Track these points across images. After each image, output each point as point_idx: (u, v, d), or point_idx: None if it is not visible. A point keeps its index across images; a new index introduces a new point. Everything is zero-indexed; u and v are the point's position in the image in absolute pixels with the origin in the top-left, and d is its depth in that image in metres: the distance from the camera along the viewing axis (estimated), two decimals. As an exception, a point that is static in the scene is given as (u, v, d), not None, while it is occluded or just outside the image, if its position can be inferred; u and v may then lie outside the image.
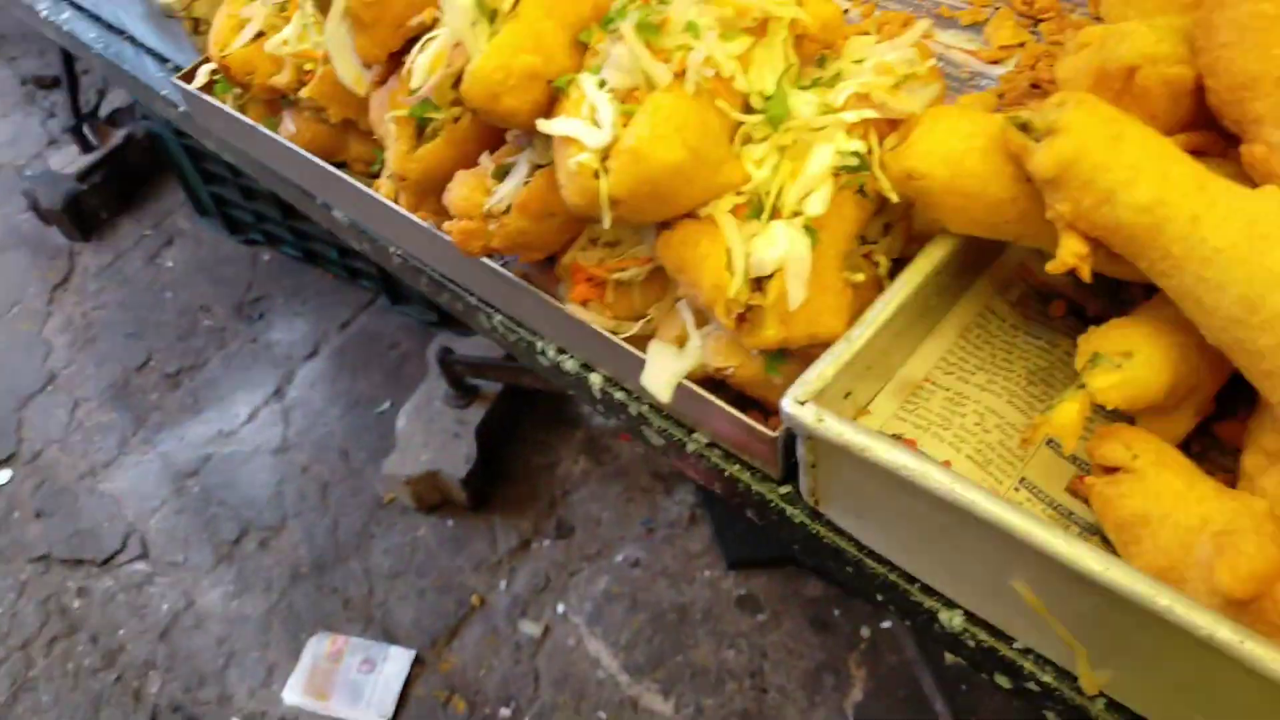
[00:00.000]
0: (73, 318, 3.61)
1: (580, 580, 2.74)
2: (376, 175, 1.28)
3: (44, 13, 1.70)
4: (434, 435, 2.96)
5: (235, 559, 2.99)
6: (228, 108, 1.33)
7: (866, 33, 1.27)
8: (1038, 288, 1.03)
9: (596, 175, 0.88)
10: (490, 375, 2.93)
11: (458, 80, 0.97)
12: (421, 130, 1.09)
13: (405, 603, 2.82)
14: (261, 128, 1.30)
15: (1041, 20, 1.32)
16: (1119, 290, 0.96)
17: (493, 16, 0.96)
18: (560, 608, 2.68)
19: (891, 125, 0.94)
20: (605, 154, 0.89)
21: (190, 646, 2.85)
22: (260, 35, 1.25)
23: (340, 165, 1.33)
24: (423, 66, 0.96)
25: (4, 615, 2.98)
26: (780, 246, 0.87)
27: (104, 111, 3.88)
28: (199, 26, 1.41)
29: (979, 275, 1.03)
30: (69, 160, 3.71)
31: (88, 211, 3.73)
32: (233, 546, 3.02)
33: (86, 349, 3.52)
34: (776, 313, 0.87)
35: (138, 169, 3.81)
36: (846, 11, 1.42)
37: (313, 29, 1.18)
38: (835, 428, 0.82)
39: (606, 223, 0.90)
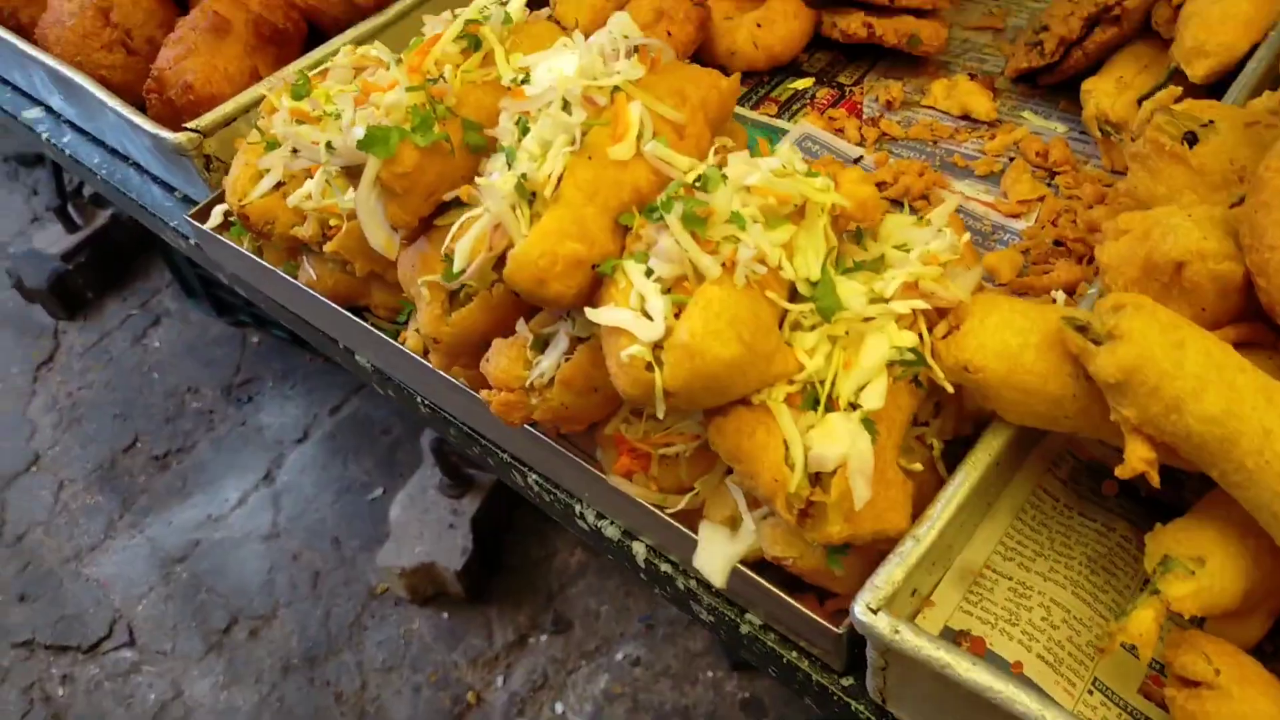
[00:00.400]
0: (58, 397, 3.51)
1: (579, 678, 2.66)
2: (400, 322, 1.24)
3: (45, 135, 1.64)
4: (429, 526, 2.89)
5: (225, 648, 2.89)
6: (247, 251, 1.28)
7: (898, 201, 1.27)
8: (1088, 463, 1.00)
9: (650, 367, 0.85)
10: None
11: (498, 259, 0.93)
12: (454, 293, 1.05)
13: (399, 698, 2.73)
14: (282, 274, 1.25)
15: (1057, 173, 1.31)
16: (1173, 470, 0.93)
17: (531, 198, 0.92)
18: (559, 707, 2.60)
19: (939, 310, 0.92)
20: (658, 346, 0.85)
21: (178, 740, 2.74)
22: (279, 185, 1.20)
23: (362, 309, 1.28)
24: (464, 251, 0.92)
25: (-15, 704, 2.85)
26: (842, 443, 0.83)
27: (89, 191, 3.81)
28: (210, 163, 1.36)
29: (1029, 451, 1.00)
30: (54, 240, 3.63)
31: (73, 291, 3.65)
32: (222, 635, 2.92)
33: (72, 429, 3.42)
34: (840, 510, 0.83)
35: (123, 249, 3.73)
36: (860, 159, 1.41)
37: (335, 185, 1.14)
38: (912, 641, 0.78)
39: (660, 413, 0.86)
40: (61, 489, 3.26)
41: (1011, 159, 1.35)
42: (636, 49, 1.03)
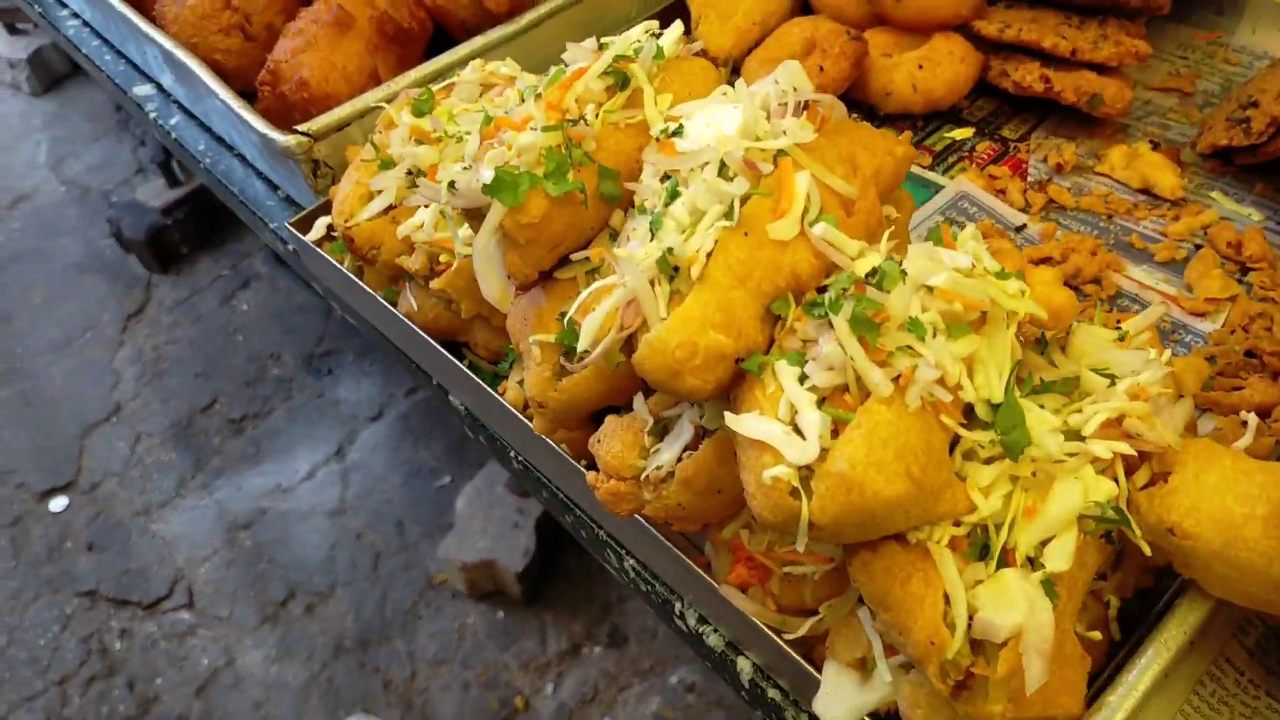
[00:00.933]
0: (143, 350, 3.51)
1: (630, 697, 2.56)
2: (502, 370, 1.12)
3: (153, 114, 1.56)
4: (493, 522, 2.81)
5: (280, 621, 2.85)
6: (347, 271, 1.17)
7: (1088, 300, 1.11)
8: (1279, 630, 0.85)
9: (795, 493, 0.72)
10: (558, 471, 2.77)
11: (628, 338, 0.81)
12: (567, 354, 0.93)
13: (447, 694, 2.66)
14: (381, 300, 1.15)
15: (1251, 269, 1.13)
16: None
17: (673, 273, 0.80)
18: (607, 725, 2.51)
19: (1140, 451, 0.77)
20: (807, 469, 0.72)
21: (226, 707, 2.71)
22: (390, 209, 1.09)
23: (460, 345, 1.18)
24: (591, 328, 0.80)
25: (46, 646, 2.86)
26: (1017, 609, 0.69)
27: (195, 147, 3.79)
28: (318, 168, 1.26)
29: (1218, 616, 0.85)
30: (156, 193, 3.62)
31: (169, 245, 3.64)
32: (279, 608, 2.88)
33: (154, 383, 3.41)
34: (1006, 688, 0.70)
35: (221, 208, 3.70)
36: (1023, 228, 1.24)
37: (452, 218, 1.03)
38: None
39: (801, 546, 0.73)
40: (138, 442, 3.25)
41: (1198, 246, 1.18)
42: (805, 105, 0.89)
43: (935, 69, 1.35)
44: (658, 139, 0.89)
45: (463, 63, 1.32)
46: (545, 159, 0.88)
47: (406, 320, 1.13)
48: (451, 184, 0.89)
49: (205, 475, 3.17)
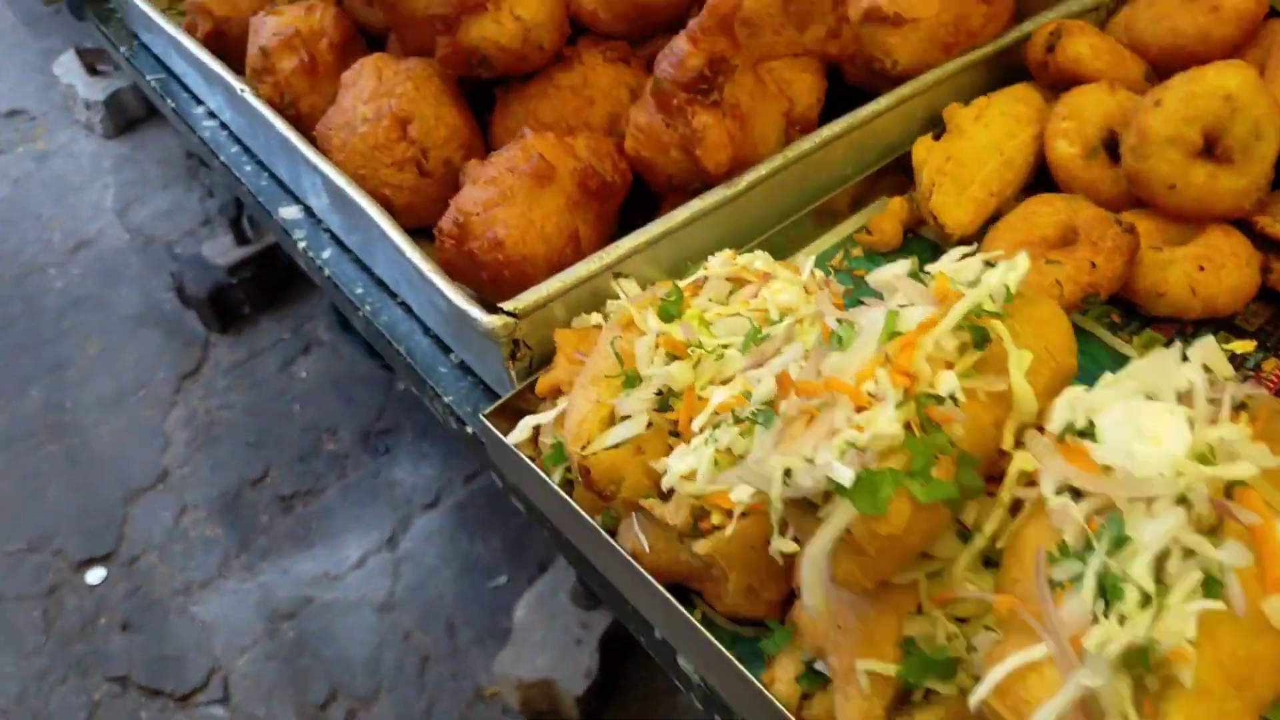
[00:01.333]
0: (196, 413, 3.24)
1: None
2: (764, 647, 0.87)
3: (301, 242, 1.30)
4: (554, 634, 2.54)
5: (320, 727, 2.57)
6: (556, 486, 0.93)
7: None
8: None
9: None
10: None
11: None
12: (905, 694, 0.69)
13: (493, 829, 2.38)
14: (600, 529, 0.90)
15: None
16: None
17: (1129, 659, 0.56)
18: None
19: None
20: None
21: (257, 819, 2.42)
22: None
23: (693, 591, 0.93)
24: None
25: (70, 736, 2.57)
26: None
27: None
28: (517, 349, 1.02)
29: None
30: (222, 250, 3.38)
31: (231, 304, 3.39)
32: (319, 711, 2.60)
33: (204, 450, 3.15)
34: None
35: (288, 269, 3.48)
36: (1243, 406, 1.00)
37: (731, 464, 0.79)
38: None
39: None
40: (183, 514, 2.98)
41: None
42: (1243, 405, 0.67)
43: (1219, 272, 1.12)
44: (1061, 439, 0.65)
45: (681, 230, 1.09)
46: (911, 453, 0.65)
47: (633, 561, 0.88)
48: (788, 472, 0.65)
49: (250, 555, 2.90)
